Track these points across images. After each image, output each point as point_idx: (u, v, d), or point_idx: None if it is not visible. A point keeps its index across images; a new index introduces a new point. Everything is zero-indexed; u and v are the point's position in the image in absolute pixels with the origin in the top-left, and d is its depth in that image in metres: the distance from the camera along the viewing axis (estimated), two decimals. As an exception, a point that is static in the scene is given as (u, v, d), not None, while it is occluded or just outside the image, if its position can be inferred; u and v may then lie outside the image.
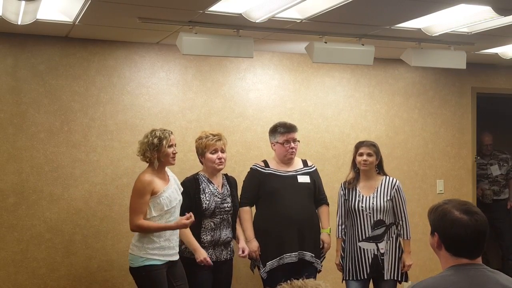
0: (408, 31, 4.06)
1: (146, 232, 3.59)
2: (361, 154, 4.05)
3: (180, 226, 3.64)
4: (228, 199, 3.95)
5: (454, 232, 1.97)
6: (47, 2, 3.42)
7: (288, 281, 1.69)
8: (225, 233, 3.91)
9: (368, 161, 4.02)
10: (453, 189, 5.69)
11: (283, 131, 4.13)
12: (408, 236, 4.03)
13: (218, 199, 3.88)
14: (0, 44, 4.10)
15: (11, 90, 4.13)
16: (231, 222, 3.98)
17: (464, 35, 4.20)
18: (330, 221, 4.30)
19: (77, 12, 3.49)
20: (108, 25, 3.85)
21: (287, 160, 4.16)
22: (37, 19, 3.53)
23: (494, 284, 1.95)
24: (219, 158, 3.89)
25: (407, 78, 5.48)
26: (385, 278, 4.00)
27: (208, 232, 3.85)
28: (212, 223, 3.86)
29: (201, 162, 3.99)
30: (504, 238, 6.11)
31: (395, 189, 4.03)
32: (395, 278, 4.02)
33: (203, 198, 3.83)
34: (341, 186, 4.20)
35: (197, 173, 3.98)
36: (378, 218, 3.99)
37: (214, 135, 3.91)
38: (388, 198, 4.01)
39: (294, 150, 4.13)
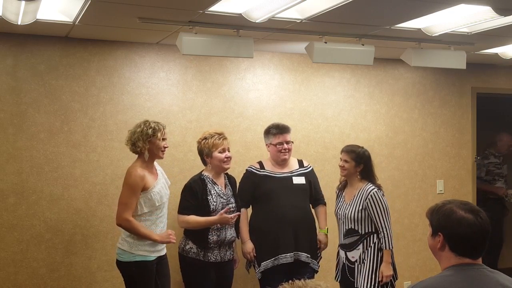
0: (408, 31, 4.05)
1: (130, 231, 3.59)
2: (340, 159, 4.00)
3: (223, 221, 3.77)
4: (232, 199, 3.96)
5: (462, 231, 1.97)
6: (47, 2, 3.42)
7: (290, 281, 1.70)
8: (230, 233, 3.92)
9: (344, 167, 3.93)
10: (453, 189, 5.68)
11: (275, 132, 4.14)
12: (388, 246, 3.79)
13: (224, 200, 3.88)
14: (0, 44, 4.10)
15: (11, 90, 4.13)
16: (234, 222, 3.98)
17: (464, 35, 4.20)
18: (328, 221, 4.30)
19: (77, 12, 3.49)
20: (108, 25, 3.85)
21: (281, 161, 4.17)
22: (37, 19, 3.53)
23: (494, 284, 1.95)
24: (227, 157, 3.88)
25: (407, 78, 5.48)
26: (356, 286, 3.84)
27: (215, 232, 3.84)
28: (218, 224, 3.85)
29: (204, 163, 3.96)
30: None
31: (368, 198, 3.80)
32: None
33: (210, 199, 3.82)
34: (336, 189, 4.19)
35: (201, 173, 3.94)
36: (350, 227, 3.88)
37: (219, 134, 3.90)
38: (360, 208, 3.83)
39: (287, 151, 4.13)
